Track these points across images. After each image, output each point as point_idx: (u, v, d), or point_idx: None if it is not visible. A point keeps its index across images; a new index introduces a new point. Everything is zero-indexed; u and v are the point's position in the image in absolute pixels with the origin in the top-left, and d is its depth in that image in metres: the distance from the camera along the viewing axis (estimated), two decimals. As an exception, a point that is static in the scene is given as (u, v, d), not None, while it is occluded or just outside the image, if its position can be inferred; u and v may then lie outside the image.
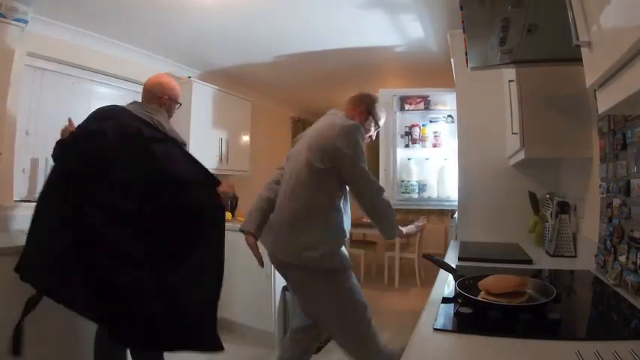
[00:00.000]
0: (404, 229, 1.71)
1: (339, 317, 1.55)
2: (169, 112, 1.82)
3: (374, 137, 1.80)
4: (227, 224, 1.71)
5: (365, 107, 1.71)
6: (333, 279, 1.52)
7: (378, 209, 1.57)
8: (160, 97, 1.75)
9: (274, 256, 1.60)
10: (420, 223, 1.87)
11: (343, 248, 1.57)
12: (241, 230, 1.63)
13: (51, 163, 1.57)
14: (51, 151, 1.58)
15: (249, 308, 2.64)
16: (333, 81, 4.08)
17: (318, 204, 1.51)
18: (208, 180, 1.64)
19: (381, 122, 1.77)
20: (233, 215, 3.14)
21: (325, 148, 1.50)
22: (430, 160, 4.16)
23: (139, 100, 1.77)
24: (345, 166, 1.50)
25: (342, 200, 1.57)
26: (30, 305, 1.52)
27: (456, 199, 2.37)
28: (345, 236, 1.58)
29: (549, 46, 1.27)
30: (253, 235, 1.61)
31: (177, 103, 1.86)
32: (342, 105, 1.76)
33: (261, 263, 1.62)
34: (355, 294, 1.55)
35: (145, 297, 1.44)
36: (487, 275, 1.04)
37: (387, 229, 1.61)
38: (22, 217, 2.29)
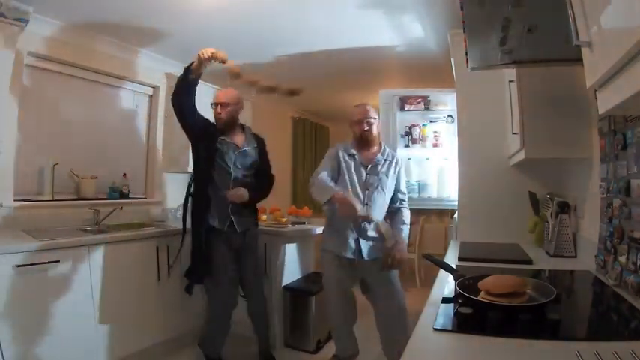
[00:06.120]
0: None
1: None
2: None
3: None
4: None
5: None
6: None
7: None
8: None
9: None
10: None
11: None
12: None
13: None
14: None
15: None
16: (334, 81, 4.08)
17: None
18: None
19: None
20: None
21: None
22: (430, 160, 4.15)
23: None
24: None
25: None
26: None
27: (456, 199, 2.37)
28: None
29: (549, 46, 1.26)
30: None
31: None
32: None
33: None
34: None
35: None
36: (487, 275, 1.04)
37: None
38: (23, 217, 2.29)
